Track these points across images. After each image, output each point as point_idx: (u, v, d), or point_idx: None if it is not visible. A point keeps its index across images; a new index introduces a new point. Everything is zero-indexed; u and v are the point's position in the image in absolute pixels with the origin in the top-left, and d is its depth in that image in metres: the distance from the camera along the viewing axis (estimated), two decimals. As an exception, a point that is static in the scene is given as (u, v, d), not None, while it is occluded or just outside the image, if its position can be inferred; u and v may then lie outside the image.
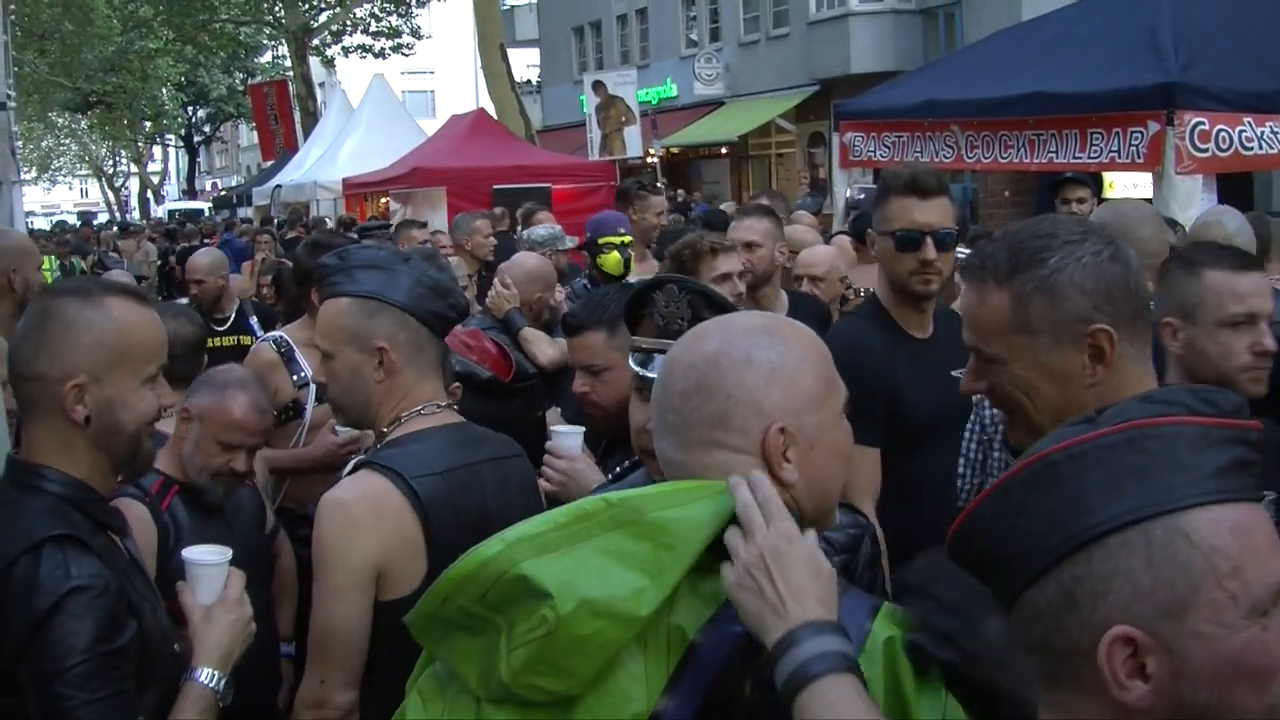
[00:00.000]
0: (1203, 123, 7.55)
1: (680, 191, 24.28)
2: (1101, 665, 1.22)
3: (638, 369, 2.58)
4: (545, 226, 7.89)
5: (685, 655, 1.55)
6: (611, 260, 6.25)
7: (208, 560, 2.57)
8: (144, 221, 41.56)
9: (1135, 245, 2.40)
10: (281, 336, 4.88)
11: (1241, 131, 7.67)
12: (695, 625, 1.56)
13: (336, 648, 2.65)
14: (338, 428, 4.29)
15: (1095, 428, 1.30)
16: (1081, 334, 2.01)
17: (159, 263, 20.48)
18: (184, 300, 8.16)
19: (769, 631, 1.51)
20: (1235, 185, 8.26)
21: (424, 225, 11.06)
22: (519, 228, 9.81)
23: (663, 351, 2.35)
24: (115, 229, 30.60)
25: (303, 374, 4.70)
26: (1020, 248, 2.06)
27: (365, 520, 2.65)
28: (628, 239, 6.36)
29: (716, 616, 1.57)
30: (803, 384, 1.70)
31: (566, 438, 3.19)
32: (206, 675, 2.44)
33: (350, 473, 2.84)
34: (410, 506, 2.66)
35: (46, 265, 17.19)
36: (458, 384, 3.99)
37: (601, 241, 6.30)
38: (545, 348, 5.20)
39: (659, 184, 7.62)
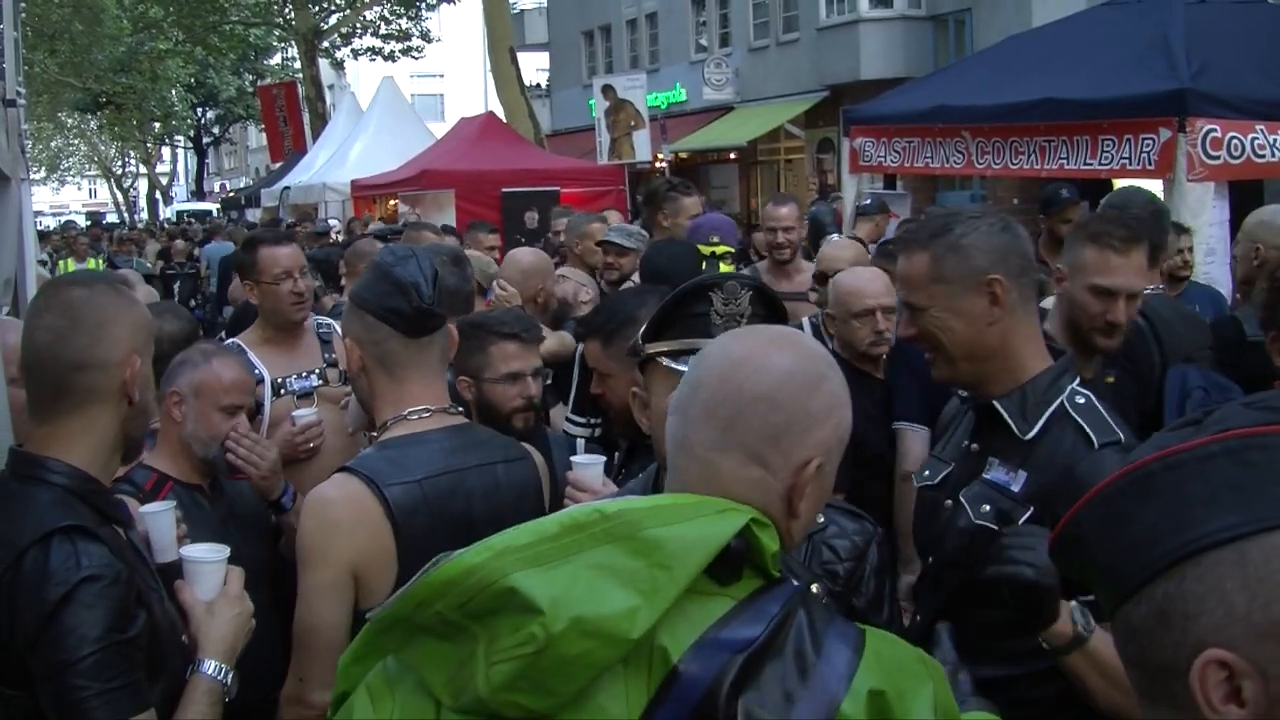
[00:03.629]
0: (1215, 130, 7.53)
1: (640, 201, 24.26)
2: (1194, 688, 1.15)
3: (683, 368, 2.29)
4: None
5: (667, 678, 1.48)
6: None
7: (205, 558, 2.61)
8: (149, 224, 41.59)
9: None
10: (234, 341, 4.94)
11: (1254, 139, 7.65)
12: (679, 647, 1.48)
13: (315, 645, 2.66)
14: (296, 413, 4.35)
15: (1199, 433, 1.24)
16: (981, 283, 2.63)
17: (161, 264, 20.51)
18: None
19: None
20: (1247, 193, 8.23)
21: (439, 230, 10.93)
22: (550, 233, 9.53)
23: None
24: (125, 230, 30.68)
25: (257, 371, 4.70)
26: (936, 222, 2.74)
27: (345, 521, 2.67)
28: (721, 249, 5.55)
29: (703, 640, 1.50)
30: (845, 424, 1.71)
31: (588, 469, 3.14)
32: (213, 668, 2.46)
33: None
34: (384, 514, 2.67)
35: (65, 267, 17.25)
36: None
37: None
38: (545, 343, 5.17)
39: (686, 184, 7.07)
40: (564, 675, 1.43)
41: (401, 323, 2.81)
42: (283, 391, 4.73)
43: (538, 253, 5.99)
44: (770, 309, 2.44)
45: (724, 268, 5.20)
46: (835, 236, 7.25)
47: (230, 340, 4.99)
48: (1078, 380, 2.72)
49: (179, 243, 23.41)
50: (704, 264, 5.25)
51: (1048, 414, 2.64)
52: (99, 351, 2.37)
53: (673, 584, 1.46)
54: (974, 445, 2.77)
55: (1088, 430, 2.60)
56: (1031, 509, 2.57)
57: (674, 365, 2.33)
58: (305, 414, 4.37)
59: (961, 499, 2.70)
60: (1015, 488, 2.63)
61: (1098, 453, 2.56)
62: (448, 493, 2.76)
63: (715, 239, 5.54)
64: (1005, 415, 2.66)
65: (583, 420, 4.69)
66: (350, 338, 2.87)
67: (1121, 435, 2.61)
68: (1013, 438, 2.65)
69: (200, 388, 3.53)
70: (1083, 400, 2.66)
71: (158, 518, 2.84)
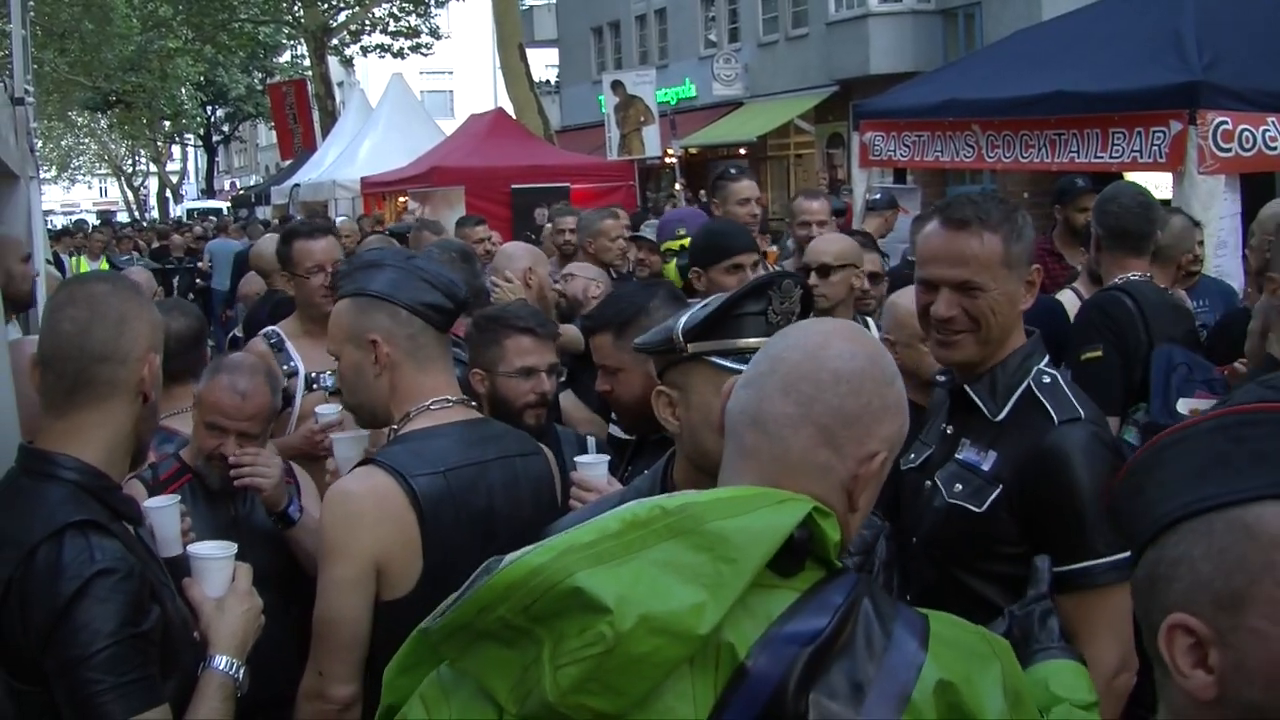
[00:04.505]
0: (1226, 122, 7.49)
1: (703, 191, 24.27)
2: (1161, 649, 1.22)
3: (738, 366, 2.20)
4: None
5: (735, 675, 1.46)
6: (669, 270, 5.28)
7: (213, 554, 2.62)
8: (155, 222, 41.64)
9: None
10: (274, 329, 4.99)
11: (1265, 131, 7.60)
12: (745, 643, 1.47)
13: (335, 639, 2.66)
14: (318, 409, 4.33)
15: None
16: (1029, 271, 2.80)
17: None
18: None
19: None
20: (1259, 185, 8.19)
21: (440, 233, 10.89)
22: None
23: None
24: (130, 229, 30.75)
25: (292, 364, 4.78)
26: (998, 206, 2.78)
27: (368, 514, 2.67)
28: (689, 241, 5.20)
29: (770, 634, 1.48)
30: (906, 425, 1.72)
31: (592, 468, 3.14)
32: (225, 663, 2.46)
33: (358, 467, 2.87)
34: (410, 505, 2.67)
35: (79, 265, 17.28)
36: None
37: (663, 248, 5.50)
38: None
39: (734, 169, 6.48)
40: (633, 675, 1.41)
41: (438, 317, 2.88)
42: (315, 386, 4.75)
43: (525, 245, 6.01)
44: (805, 307, 2.44)
45: (670, 266, 5.16)
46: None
47: (271, 328, 5.03)
48: (1046, 360, 2.81)
49: (176, 238, 23.58)
50: (674, 259, 5.19)
51: (1016, 395, 2.74)
52: (122, 345, 2.39)
53: (738, 577, 1.45)
54: (949, 428, 2.89)
55: (1049, 409, 2.68)
56: (1000, 486, 2.67)
57: (725, 363, 2.28)
58: (328, 411, 4.38)
59: (936, 479, 2.82)
60: (985, 467, 2.72)
61: (1058, 429, 2.65)
62: (470, 485, 2.77)
63: (681, 231, 5.37)
64: (976, 399, 2.78)
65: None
66: (378, 334, 2.83)
67: (1083, 412, 2.69)
68: (984, 419, 2.76)
69: (198, 399, 3.56)
70: (1048, 380, 2.75)
71: (161, 512, 2.86)
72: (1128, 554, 2.56)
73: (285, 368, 4.81)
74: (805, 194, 6.67)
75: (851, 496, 1.64)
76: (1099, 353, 4.47)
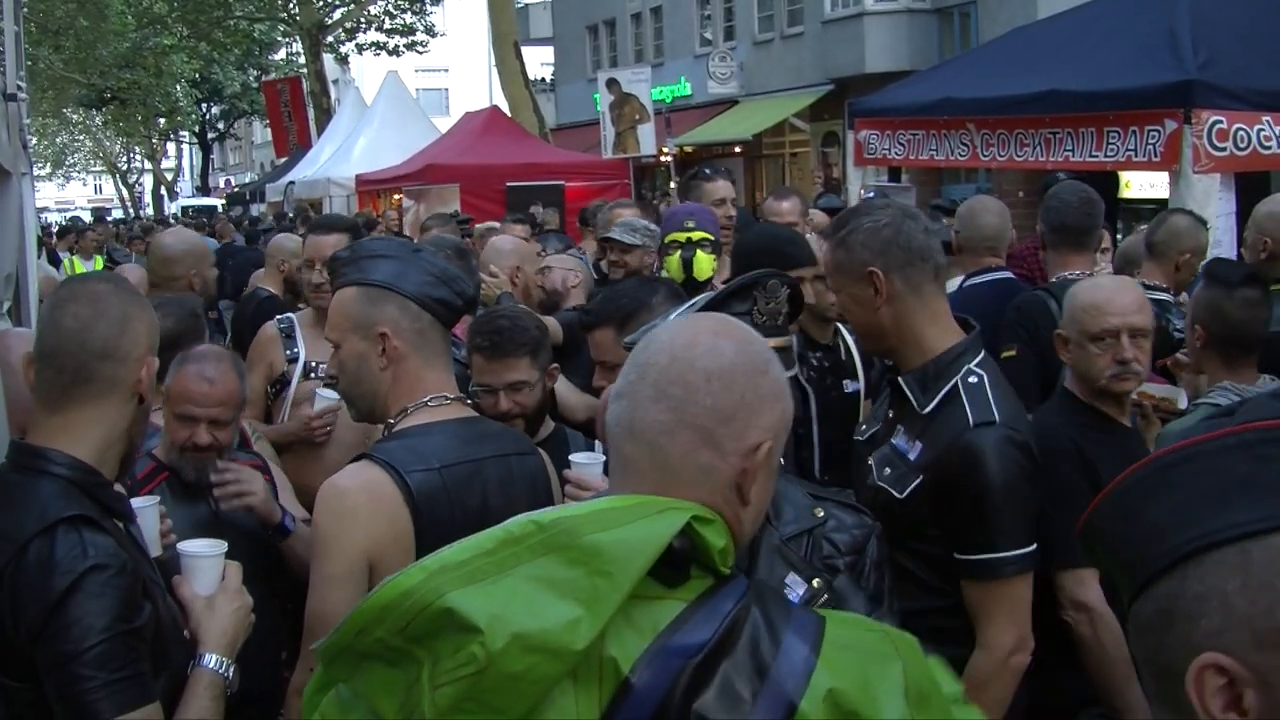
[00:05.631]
0: (1221, 121, 7.50)
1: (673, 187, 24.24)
2: (1190, 693, 1.08)
3: None
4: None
5: (619, 690, 1.43)
6: (672, 264, 5.05)
7: (203, 552, 2.61)
8: (150, 219, 41.56)
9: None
10: (289, 316, 5.09)
11: (1260, 130, 7.62)
12: (629, 657, 1.44)
13: None
14: (318, 392, 4.31)
15: (1232, 424, 1.17)
16: (863, 274, 2.99)
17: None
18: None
19: None
20: (1253, 184, 8.20)
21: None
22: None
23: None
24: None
25: (295, 350, 4.84)
26: (842, 218, 3.16)
27: (361, 509, 2.65)
28: (697, 235, 5.08)
29: (654, 647, 1.45)
30: (789, 411, 1.70)
31: (587, 468, 3.10)
32: (215, 662, 2.46)
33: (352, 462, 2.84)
34: (404, 501, 2.65)
35: (73, 266, 17.26)
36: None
37: (667, 240, 5.19)
38: None
39: (708, 169, 6.43)
40: (510, 693, 1.39)
41: (445, 313, 2.87)
42: (313, 375, 4.77)
43: (516, 240, 5.98)
44: (794, 306, 2.43)
45: (701, 255, 4.98)
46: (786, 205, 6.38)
47: (286, 315, 5.13)
48: (980, 358, 2.98)
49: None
50: (679, 251, 5.02)
51: (944, 391, 2.92)
52: (123, 344, 2.40)
53: (615, 591, 1.42)
54: (890, 412, 3.08)
55: (967, 410, 2.86)
56: (921, 477, 2.88)
57: None
58: (327, 396, 4.37)
59: (872, 459, 3.04)
60: (912, 456, 2.93)
61: (972, 431, 2.84)
62: (465, 482, 2.76)
63: (690, 224, 5.13)
64: (907, 390, 2.98)
65: None
66: (386, 325, 2.80)
67: (998, 415, 2.86)
68: (914, 410, 2.95)
69: (167, 392, 3.51)
70: (975, 380, 2.91)
71: (141, 513, 2.82)
72: (1031, 548, 2.86)
73: (288, 354, 4.87)
74: (775, 194, 6.51)
75: (742, 491, 1.62)
76: (1013, 352, 4.55)
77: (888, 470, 2.96)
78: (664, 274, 4.99)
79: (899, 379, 3.01)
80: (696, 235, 5.05)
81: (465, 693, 1.38)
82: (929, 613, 2.78)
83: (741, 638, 1.48)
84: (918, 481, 2.89)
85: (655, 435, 1.60)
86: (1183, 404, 3.92)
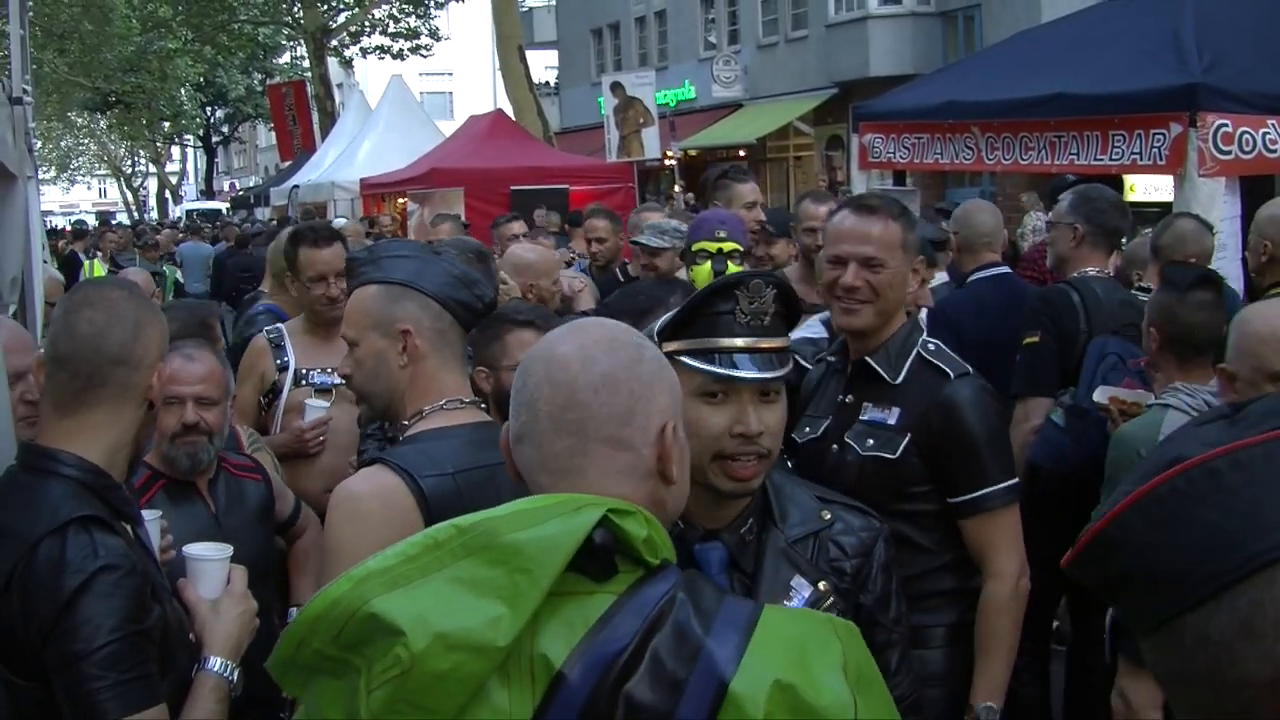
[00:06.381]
0: (1226, 125, 7.47)
1: (690, 194, 24.22)
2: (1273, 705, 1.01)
3: (722, 370, 2.32)
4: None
5: (552, 685, 1.46)
6: (702, 273, 4.90)
7: (209, 556, 2.61)
8: (155, 223, 41.59)
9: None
10: (277, 326, 5.07)
11: (1265, 134, 7.58)
12: (561, 653, 1.47)
13: None
14: (308, 403, 4.29)
15: (1237, 426, 1.10)
16: (916, 258, 3.35)
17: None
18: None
19: None
20: (1259, 188, 8.18)
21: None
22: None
23: (750, 352, 2.32)
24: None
25: (285, 359, 4.84)
26: (896, 201, 3.40)
27: (374, 514, 2.63)
28: (728, 246, 4.96)
29: (584, 641, 1.48)
30: (676, 383, 1.74)
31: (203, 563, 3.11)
32: (220, 665, 2.47)
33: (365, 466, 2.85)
34: (417, 507, 2.64)
35: (93, 270, 17.29)
36: None
37: (695, 248, 5.05)
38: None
39: (737, 170, 6.29)
40: (438, 693, 1.42)
41: (465, 315, 2.87)
42: (303, 382, 4.77)
43: (540, 250, 5.89)
44: (789, 307, 2.41)
45: (732, 267, 4.85)
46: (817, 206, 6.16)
47: (275, 325, 5.11)
48: (925, 333, 3.38)
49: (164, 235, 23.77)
50: (709, 261, 4.94)
51: (909, 362, 3.27)
52: (137, 349, 2.42)
53: (535, 587, 1.45)
54: (848, 398, 3.34)
55: (943, 367, 3.25)
56: (909, 435, 3.20)
57: (695, 364, 2.31)
58: (317, 406, 4.35)
59: (847, 439, 3.27)
60: (891, 421, 3.24)
61: (953, 382, 3.22)
62: (479, 488, 2.73)
63: (722, 234, 5.00)
64: (878, 368, 3.28)
65: None
66: (409, 323, 2.78)
67: (969, 368, 3.28)
68: (884, 384, 3.27)
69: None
70: (933, 347, 3.31)
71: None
72: (1015, 480, 3.18)
73: (278, 362, 4.87)
74: (812, 197, 6.31)
75: (664, 474, 1.66)
76: (1037, 338, 4.93)
77: (870, 441, 3.24)
78: (690, 280, 4.87)
79: (868, 359, 3.29)
80: (728, 246, 4.97)
81: (395, 694, 1.42)
82: (924, 576, 3.19)
83: (668, 624, 1.50)
84: (906, 440, 3.20)
85: (570, 461, 1.63)
86: None
